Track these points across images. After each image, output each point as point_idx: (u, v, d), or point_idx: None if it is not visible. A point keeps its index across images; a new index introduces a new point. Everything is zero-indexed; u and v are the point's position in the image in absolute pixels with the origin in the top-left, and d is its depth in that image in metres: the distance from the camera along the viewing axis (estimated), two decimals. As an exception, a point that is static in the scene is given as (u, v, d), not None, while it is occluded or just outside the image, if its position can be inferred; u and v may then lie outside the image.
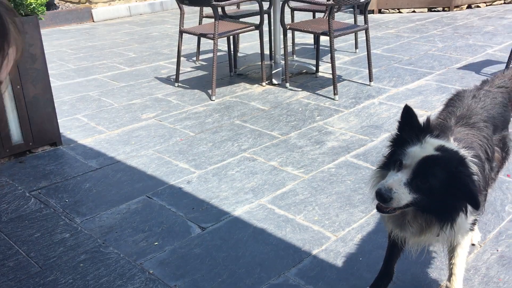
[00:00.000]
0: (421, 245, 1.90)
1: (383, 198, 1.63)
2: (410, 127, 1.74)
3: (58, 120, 3.72)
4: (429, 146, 1.66)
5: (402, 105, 1.80)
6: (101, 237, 2.59)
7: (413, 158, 1.64)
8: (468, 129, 2.00)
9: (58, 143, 3.69)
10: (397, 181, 1.63)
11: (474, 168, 1.71)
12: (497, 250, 2.41)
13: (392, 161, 1.74)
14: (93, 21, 8.77)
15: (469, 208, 1.70)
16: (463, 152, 1.71)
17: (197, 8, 6.14)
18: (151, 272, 2.32)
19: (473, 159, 1.77)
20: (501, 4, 9.07)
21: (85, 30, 8.12)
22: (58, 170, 3.34)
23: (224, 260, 2.40)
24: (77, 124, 4.12)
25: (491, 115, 2.14)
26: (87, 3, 8.84)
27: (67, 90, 5.00)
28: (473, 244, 2.45)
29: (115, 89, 4.99)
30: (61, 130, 3.79)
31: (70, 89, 5.03)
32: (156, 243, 2.54)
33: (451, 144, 1.76)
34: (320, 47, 5.54)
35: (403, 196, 1.63)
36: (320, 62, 5.40)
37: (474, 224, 1.99)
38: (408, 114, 1.77)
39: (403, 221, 1.77)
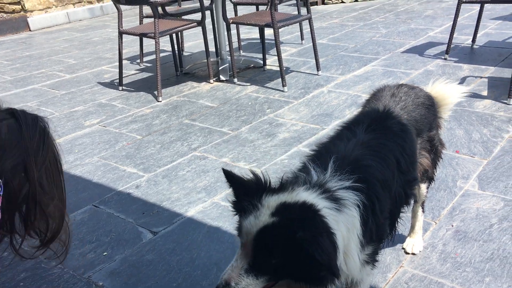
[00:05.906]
0: None
1: None
2: (241, 191, 1.43)
3: (-7, 134, 3.49)
4: (265, 211, 1.33)
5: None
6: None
7: (248, 234, 1.33)
8: (379, 135, 1.66)
9: (-6, 158, 3.45)
10: (235, 270, 1.33)
11: (332, 218, 1.35)
12: (452, 226, 2.41)
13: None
14: (30, 30, 8.38)
15: (359, 243, 1.42)
16: (311, 200, 1.35)
17: (138, 10, 5.95)
18: (100, 284, 2.18)
19: (357, 185, 1.44)
20: (438, -11, 9.32)
21: (21, 39, 7.74)
22: (-5, 187, 3.11)
23: (178, 263, 2.29)
24: (15, 136, 3.88)
25: (413, 117, 1.84)
26: (22, 12, 8.43)
27: (3, 102, 4.71)
28: (413, 253, 2.22)
29: (56, 98, 4.75)
30: (-3, 144, 3.55)
31: (6, 101, 4.69)
32: (105, 253, 2.39)
33: (297, 193, 1.38)
34: (266, 41, 5.47)
35: (249, 287, 1.33)
36: (267, 55, 5.35)
37: (373, 257, 1.59)
38: (231, 178, 1.45)
39: None
